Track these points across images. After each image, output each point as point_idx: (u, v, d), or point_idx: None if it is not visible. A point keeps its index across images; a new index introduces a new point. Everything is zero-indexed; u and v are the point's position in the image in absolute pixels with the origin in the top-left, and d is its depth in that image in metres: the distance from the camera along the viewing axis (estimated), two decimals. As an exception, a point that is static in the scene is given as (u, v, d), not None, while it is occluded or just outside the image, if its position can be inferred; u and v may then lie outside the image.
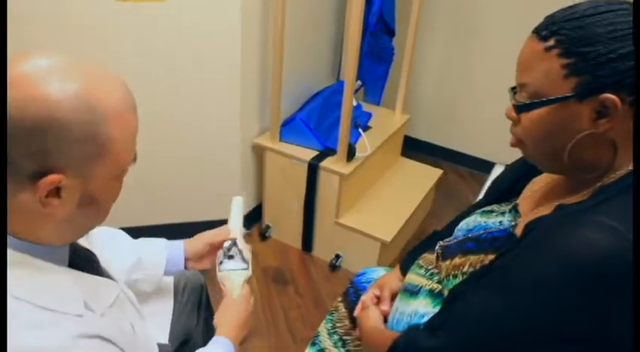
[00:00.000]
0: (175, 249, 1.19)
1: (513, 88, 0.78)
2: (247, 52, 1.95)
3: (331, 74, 2.62)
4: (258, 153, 2.24)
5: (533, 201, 0.86)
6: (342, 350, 1.04)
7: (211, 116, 2.03)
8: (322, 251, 2.26)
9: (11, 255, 0.66)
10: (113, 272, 0.92)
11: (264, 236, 2.34)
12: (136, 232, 2.14)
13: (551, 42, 0.70)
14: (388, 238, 2.05)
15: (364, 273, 1.24)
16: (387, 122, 2.44)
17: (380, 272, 1.23)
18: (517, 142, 0.80)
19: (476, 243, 0.86)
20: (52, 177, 0.61)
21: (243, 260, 1.15)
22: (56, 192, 0.64)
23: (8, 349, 0.62)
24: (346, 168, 2.03)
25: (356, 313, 1.07)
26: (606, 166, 0.74)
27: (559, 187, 0.83)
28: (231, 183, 2.22)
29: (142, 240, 1.21)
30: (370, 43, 2.41)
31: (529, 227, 0.75)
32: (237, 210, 1.22)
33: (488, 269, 0.77)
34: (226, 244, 1.16)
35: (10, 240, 0.67)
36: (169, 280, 1.28)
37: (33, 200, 0.63)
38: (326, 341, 1.07)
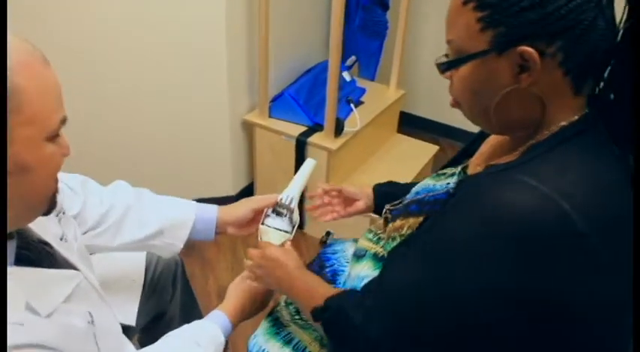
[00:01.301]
0: (203, 220, 1.16)
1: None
2: (232, 25, 1.93)
3: (325, 50, 2.57)
4: (248, 130, 2.22)
5: (478, 161, 0.83)
6: (296, 318, 1.02)
7: (198, 92, 2.02)
8: (313, 228, 2.24)
9: None
10: (76, 259, 0.88)
11: (256, 213, 2.33)
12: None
13: None
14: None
15: (331, 244, 1.22)
16: (380, 97, 2.40)
17: (347, 244, 1.21)
18: (455, 103, 0.77)
19: (418, 205, 0.83)
20: None
21: (290, 221, 1.13)
22: None
23: None
24: (334, 144, 2.01)
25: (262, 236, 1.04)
26: (536, 123, 0.71)
27: (502, 147, 0.80)
28: (221, 161, 2.22)
29: (171, 204, 1.16)
30: (363, 17, 2.37)
31: (458, 187, 0.72)
32: (304, 171, 1.19)
33: (416, 231, 0.75)
34: (279, 198, 1.14)
35: None
36: (140, 261, 1.26)
37: None
38: (282, 310, 1.06)
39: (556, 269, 0.62)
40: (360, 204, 1.16)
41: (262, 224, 1.12)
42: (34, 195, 0.69)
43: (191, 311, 1.44)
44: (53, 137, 0.67)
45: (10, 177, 0.63)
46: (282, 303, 1.07)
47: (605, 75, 0.68)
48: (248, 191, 2.38)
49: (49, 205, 0.73)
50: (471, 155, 0.90)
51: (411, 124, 2.84)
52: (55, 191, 0.73)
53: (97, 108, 1.94)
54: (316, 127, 2.09)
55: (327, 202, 1.19)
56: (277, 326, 1.02)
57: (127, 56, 1.86)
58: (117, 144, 2.05)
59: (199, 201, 2.23)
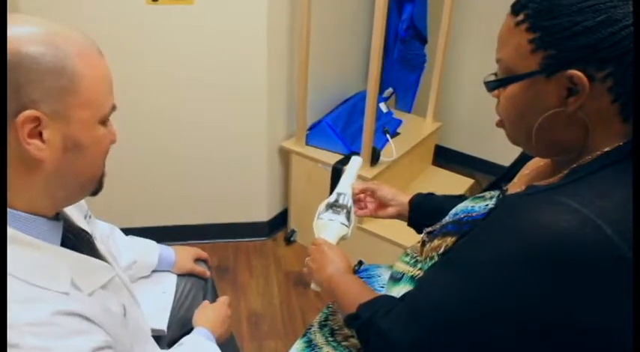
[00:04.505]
0: (166, 255, 1.28)
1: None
2: (274, 56, 1.98)
3: (364, 81, 2.61)
4: (285, 156, 2.26)
5: (519, 184, 0.83)
6: (330, 339, 1.02)
7: (238, 119, 2.07)
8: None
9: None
10: (111, 258, 0.93)
11: (289, 240, 2.34)
12: (162, 232, 2.20)
13: (521, 16, 0.68)
14: (411, 244, 2.00)
15: (367, 269, 1.23)
16: (417, 129, 2.41)
17: (382, 269, 1.21)
18: (499, 122, 0.78)
19: (456, 226, 0.83)
20: (28, 112, 0.64)
21: (348, 218, 1.12)
22: (39, 135, 0.67)
23: None
24: (370, 172, 2.02)
25: (320, 237, 1.06)
26: (579, 148, 0.71)
27: (546, 170, 0.80)
28: (258, 186, 2.25)
29: (136, 241, 1.25)
30: (401, 49, 2.40)
31: (496, 205, 0.73)
32: (352, 169, 1.20)
33: (451, 247, 0.75)
34: (332, 198, 1.14)
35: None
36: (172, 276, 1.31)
37: (18, 144, 0.65)
38: (316, 333, 1.06)
39: (598, 293, 0.61)
40: (391, 210, 1.17)
41: (318, 219, 1.12)
42: (86, 173, 0.75)
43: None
44: (104, 121, 0.74)
45: (67, 153, 0.70)
46: (316, 326, 1.07)
47: None
48: (282, 217, 2.40)
49: (98, 185, 0.79)
50: (511, 179, 0.90)
51: (447, 157, 2.84)
52: (103, 173, 0.79)
53: (136, 130, 2.00)
54: (352, 155, 2.11)
55: (363, 198, 1.20)
56: (311, 347, 1.02)
57: (169, 81, 1.93)
58: (154, 166, 2.10)
59: (233, 225, 2.26)
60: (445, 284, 0.71)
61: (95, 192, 0.80)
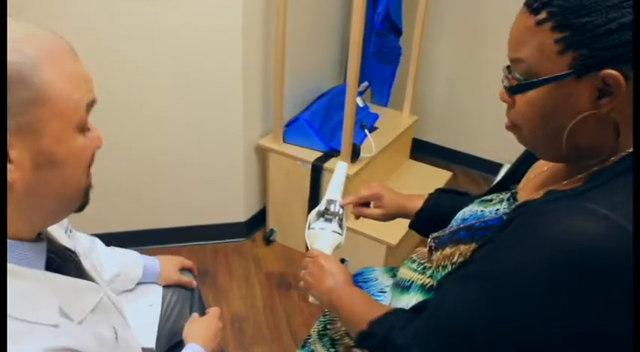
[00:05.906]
0: (150, 266, 1.22)
1: (508, 67, 0.72)
2: (249, 51, 1.92)
3: (339, 75, 2.57)
4: (262, 154, 2.20)
5: (532, 187, 0.79)
6: (331, 350, 0.98)
7: (213, 117, 2.00)
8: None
9: None
10: (97, 275, 0.87)
11: (268, 240, 2.29)
12: (138, 236, 2.12)
13: (543, 15, 0.63)
14: (394, 241, 1.98)
15: (361, 273, 1.18)
16: (394, 123, 2.39)
17: (377, 272, 1.18)
18: (512, 126, 0.73)
19: (468, 232, 0.79)
20: None
21: (340, 226, 1.07)
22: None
23: None
24: (350, 169, 1.98)
25: (314, 248, 1.01)
26: (608, 152, 0.66)
27: (560, 173, 0.76)
28: (234, 186, 2.18)
29: (119, 252, 1.19)
30: (377, 42, 2.37)
31: (515, 213, 0.69)
32: (340, 175, 1.17)
33: (470, 258, 0.71)
34: (322, 206, 1.09)
35: None
36: (157, 287, 1.25)
37: None
38: (316, 343, 1.01)
39: (629, 300, 0.58)
40: (377, 213, 1.14)
41: (310, 229, 1.08)
42: (66, 190, 0.67)
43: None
44: (83, 128, 0.66)
45: (39, 171, 0.62)
46: (315, 336, 1.03)
47: None
48: (260, 217, 2.34)
49: (83, 200, 0.71)
50: (517, 180, 0.86)
51: (423, 150, 2.83)
52: (88, 185, 0.71)
53: (106, 130, 1.91)
54: (331, 152, 2.07)
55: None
56: (312, 358, 0.98)
57: (142, 79, 1.85)
58: (126, 168, 2.02)
59: (210, 226, 2.20)
60: (465, 298, 0.67)
61: (81, 208, 0.72)
